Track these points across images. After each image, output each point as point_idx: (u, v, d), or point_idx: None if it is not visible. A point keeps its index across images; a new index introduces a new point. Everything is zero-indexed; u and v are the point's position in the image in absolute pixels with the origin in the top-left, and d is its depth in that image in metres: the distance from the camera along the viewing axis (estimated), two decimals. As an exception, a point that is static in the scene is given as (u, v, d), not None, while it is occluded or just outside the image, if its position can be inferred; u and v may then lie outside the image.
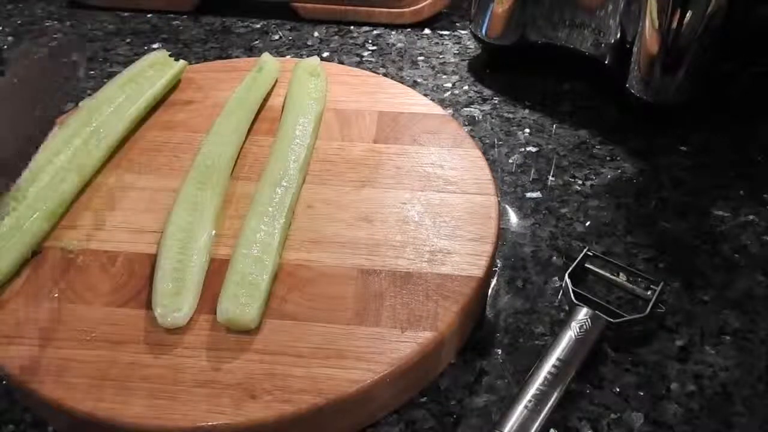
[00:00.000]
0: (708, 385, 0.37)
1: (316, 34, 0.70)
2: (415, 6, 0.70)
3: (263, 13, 0.73)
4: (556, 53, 0.59)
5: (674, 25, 0.49)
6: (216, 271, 0.38)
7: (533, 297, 0.42)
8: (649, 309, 0.38)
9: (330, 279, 0.38)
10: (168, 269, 0.37)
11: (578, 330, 0.37)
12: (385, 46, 0.68)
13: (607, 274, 0.42)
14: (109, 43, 0.69)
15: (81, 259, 0.39)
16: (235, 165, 0.45)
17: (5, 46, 0.68)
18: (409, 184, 0.44)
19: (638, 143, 0.55)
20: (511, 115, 0.58)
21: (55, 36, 0.70)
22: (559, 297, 0.42)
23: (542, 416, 0.33)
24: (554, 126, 0.57)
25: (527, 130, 0.56)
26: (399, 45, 0.68)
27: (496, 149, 0.54)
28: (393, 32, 0.70)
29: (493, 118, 0.58)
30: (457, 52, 0.67)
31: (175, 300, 0.35)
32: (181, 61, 0.53)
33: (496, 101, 0.60)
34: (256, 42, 0.69)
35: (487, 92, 0.61)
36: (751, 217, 0.48)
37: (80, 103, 0.48)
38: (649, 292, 0.40)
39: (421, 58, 0.66)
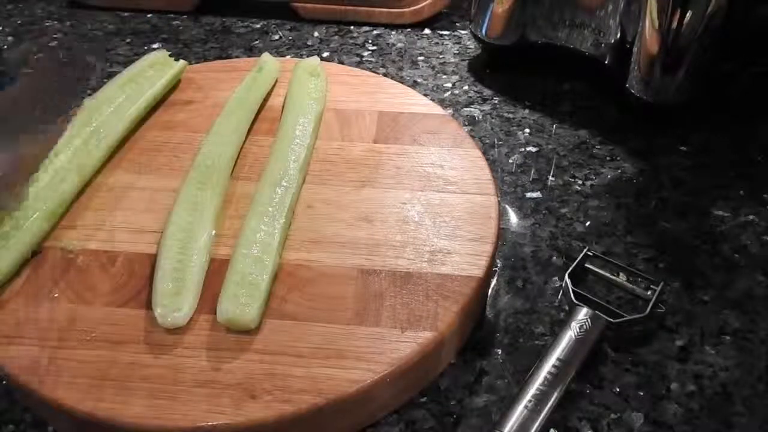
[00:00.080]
0: (708, 385, 0.37)
1: (316, 34, 0.70)
2: (415, 6, 0.70)
3: (263, 13, 0.73)
4: (556, 53, 0.59)
5: (674, 25, 0.49)
6: (216, 271, 0.38)
7: (533, 297, 0.42)
8: (649, 309, 0.38)
9: (330, 279, 0.38)
10: (168, 269, 0.37)
11: (578, 330, 0.37)
12: (385, 46, 0.68)
13: (607, 274, 0.42)
14: (109, 43, 0.69)
15: (81, 259, 0.39)
16: (235, 165, 0.45)
17: (5, 46, 0.68)
18: (409, 184, 0.44)
19: (638, 143, 0.55)
20: (511, 115, 0.58)
21: (55, 36, 0.70)
22: (559, 297, 0.42)
23: (542, 416, 0.33)
24: (554, 126, 0.57)
25: (527, 130, 0.56)
26: (399, 45, 0.68)
27: (496, 149, 0.54)
28: (393, 32, 0.70)
29: (493, 118, 0.58)
30: (457, 52, 0.67)
31: (175, 300, 0.35)
32: (181, 61, 0.53)
33: (496, 101, 0.60)
34: (256, 42, 0.69)
35: (487, 92, 0.61)
36: (751, 217, 0.48)
37: (85, 101, 0.48)
38: (649, 292, 0.40)
39: (421, 58, 0.66)
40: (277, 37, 0.70)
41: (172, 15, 0.73)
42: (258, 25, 0.72)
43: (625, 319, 0.38)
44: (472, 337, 0.39)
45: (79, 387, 0.32)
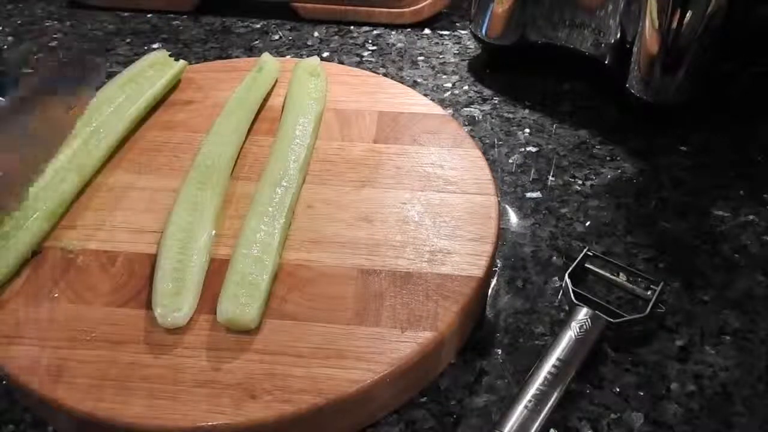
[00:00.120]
0: (708, 385, 0.37)
1: (316, 34, 0.70)
2: (415, 6, 0.70)
3: (263, 13, 0.73)
4: (556, 53, 0.59)
5: (674, 25, 0.49)
6: (216, 271, 0.38)
7: (533, 297, 0.42)
8: (649, 309, 0.38)
9: (330, 279, 0.38)
10: (168, 269, 0.37)
11: (578, 330, 0.37)
12: (385, 46, 0.68)
13: (607, 274, 0.42)
14: (109, 43, 0.69)
15: (81, 259, 0.39)
16: (235, 165, 0.45)
17: (5, 46, 0.68)
18: (409, 184, 0.44)
19: (638, 143, 0.55)
20: (511, 115, 0.58)
21: (55, 36, 0.70)
22: (559, 297, 0.42)
23: (542, 416, 0.33)
24: (554, 126, 0.57)
25: (527, 130, 0.56)
26: (399, 45, 0.68)
27: (496, 149, 0.54)
28: (393, 32, 0.70)
29: (493, 118, 0.58)
30: (457, 52, 0.67)
31: (175, 300, 0.35)
32: (181, 61, 0.53)
33: (496, 101, 0.60)
34: (256, 42, 0.69)
35: (487, 92, 0.61)
36: (751, 217, 0.48)
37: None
38: (649, 292, 0.40)
39: (421, 58, 0.66)
40: (277, 37, 0.70)
41: (172, 15, 0.73)
42: (258, 25, 0.72)
43: (625, 319, 0.38)
44: (472, 337, 0.39)
45: (79, 387, 0.32)
